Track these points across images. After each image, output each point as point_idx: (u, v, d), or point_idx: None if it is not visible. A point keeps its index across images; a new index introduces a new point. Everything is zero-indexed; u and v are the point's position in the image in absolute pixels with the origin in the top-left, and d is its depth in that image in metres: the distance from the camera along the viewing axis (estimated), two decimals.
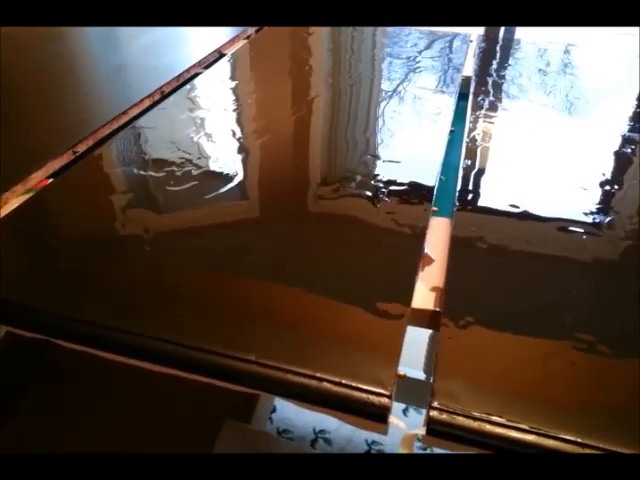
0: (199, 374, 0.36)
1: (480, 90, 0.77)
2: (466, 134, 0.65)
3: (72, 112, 0.69)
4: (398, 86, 0.79)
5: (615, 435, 0.31)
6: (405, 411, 0.96)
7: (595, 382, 0.35)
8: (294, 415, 0.98)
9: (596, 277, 0.44)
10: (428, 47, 0.94)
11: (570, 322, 0.38)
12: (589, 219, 0.50)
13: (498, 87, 0.79)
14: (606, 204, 0.53)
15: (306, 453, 0.87)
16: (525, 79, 0.82)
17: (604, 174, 0.59)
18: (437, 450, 0.34)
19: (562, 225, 0.49)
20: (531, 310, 0.40)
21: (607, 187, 0.56)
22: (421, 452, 0.89)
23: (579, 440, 0.31)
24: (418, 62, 0.87)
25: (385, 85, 0.80)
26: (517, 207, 0.52)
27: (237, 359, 0.35)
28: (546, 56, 0.93)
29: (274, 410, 0.99)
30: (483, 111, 0.71)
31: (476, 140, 0.64)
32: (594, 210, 0.51)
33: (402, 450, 0.35)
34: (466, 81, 0.81)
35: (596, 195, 0.54)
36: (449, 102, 0.73)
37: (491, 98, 0.75)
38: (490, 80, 0.81)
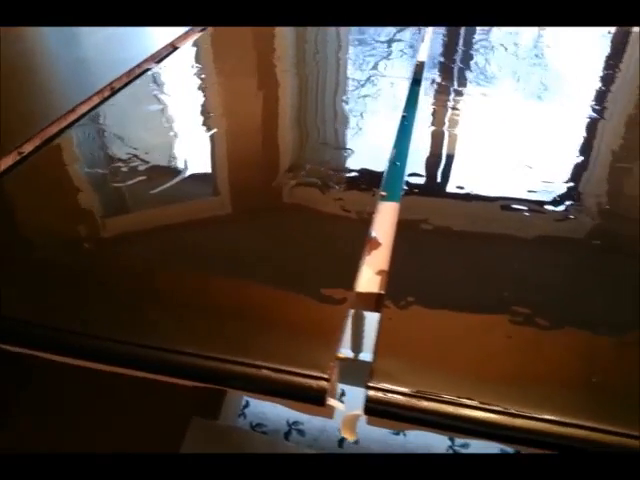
0: (141, 370, 0.36)
1: (435, 74, 0.77)
2: (418, 118, 0.66)
3: (18, 112, 0.67)
4: (354, 74, 0.79)
5: (549, 404, 0.32)
6: None
7: (531, 354, 0.35)
8: (267, 409, 0.98)
9: (536, 253, 0.45)
10: (388, 36, 0.94)
11: (508, 297, 0.39)
12: (532, 197, 0.51)
13: (454, 72, 0.80)
14: (551, 183, 0.54)
15: (283, 453, 0.86)
16: (482, 63, 0.83)
17: (554, 154, 0.60)
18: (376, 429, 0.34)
19: (506, 204, 0.50)
20: (471, 287, 0.41)
21: (554, 166, 0.57)
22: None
23: (513, 411, 0.31)
24: (375, 50, 0.87)
25: (342, 73, 0.80)
26: (463, 188, 0.52)
27: (176, 352, 0.35)
28: (512, 41, 0.94)
29: (247, 405, 0.99)
30: (437, 95, 0.72)
31: (428, 124, 0.64)
32: (537, 189, 0.52)
33: (343, 432, 0.35)
34: (420, 66, 0.81)
35: (541, 174, 0.55)
36: (402, 88, 0.73)
37: (446, 82, 0.75)
38: (446, 65, 0.82)
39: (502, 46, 0.90)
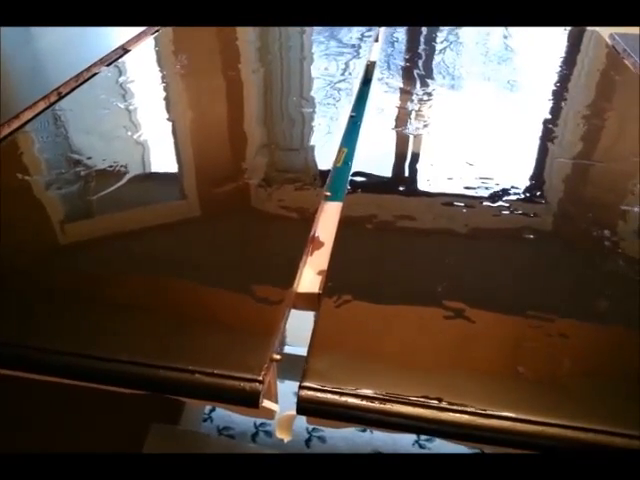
0: (79, 380, 0.36)
1: (384, 74, 0.78)
2: (366, 118, 0.66)
3: None
4: (305, 74, 0.79)
5: (475, 396, 0.32)
6: None
7: (461, 346, 0.36)
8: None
9: (471, 247, 0.45)
10: (345, 35, 0.95)
11: (441, 292, 0.40)
12: (472, 193, 0.52)
13: (403, 71, 0.80)
14: (491, 179, 0.55)
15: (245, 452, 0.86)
16: (431, 61, 0.84)
17: (498, 151, 0.61)
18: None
19: (446, 200, 0.51)
20: (406, 283, 0.41)
21: (495, 163, 0.58)
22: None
23: (444, 405, 0.32)
24: (329, 50, 0.87)
25: (293, 73, 0.80)
26: (406, 185, 0.53)
27: (111, 361, 0.35)
28: (444, 36, 0.96)
29: (214, 409, 0.98)
30: (387, 95, 0.72)
31: (377, 124, 0.65)
32: (478, 185, 0.53)
33: (278, 432, 0.35)
34: (371, 66, 0.81)
35: (483, 170, 0.56)
36: (352, 87, 0.74)
37: (396, 81, 0.76)
38: (397, 64, 0.82)
39: (457, 42, 0.92)
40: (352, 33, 0.94)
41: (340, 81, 0.76)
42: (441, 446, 0.94)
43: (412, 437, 0.93)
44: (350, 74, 0.78)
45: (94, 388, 0.36)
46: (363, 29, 0.95)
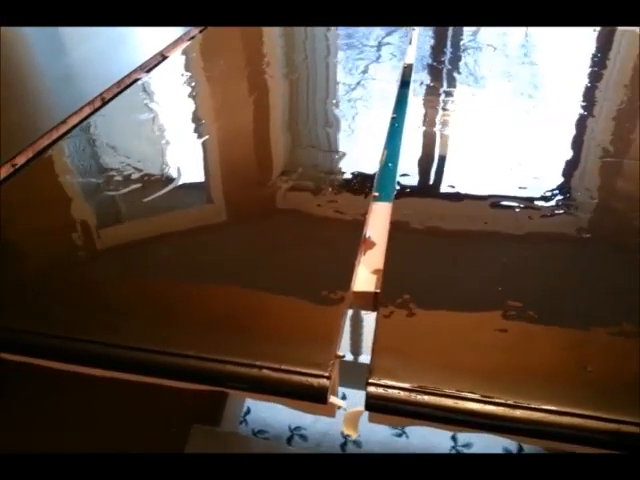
0: (141, 374, 0.36)
1: (422, 76, 0.78)
2: (408, 120, 0.66)
3: (10, 124, 0.67)
4: (343, 78, 0.79)
5: (546, 394, 0.32)
6: None
7: (524, 347, 0.36)
8: (268, 414, 0.98)
9: (527, 248, 0.45)
10: (377, 39, 0.95)
11: (501, 292, 0.39)
12: (522, 194, 0.51)
13: (441, 73, 0.80)
14: (541, 179, 0.54)
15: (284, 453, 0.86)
16: (471, 63, 0.84)
17: (543, 151, 0.60)
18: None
19: (496, 201, 0.50)
20: (464, 284, 0.41)
21: (543, 162, 0.58)
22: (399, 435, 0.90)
23: (512, 402, 0.32)
24: (364, 54, 0.88)
25: (332, 77, 0.81)
26: (454, 187, 0.53)
27: (179, 356, 0.35)
28: (501, 42, 0.95)
29: (248, 412, 0.98)
30: (426, 96, 0.72)
31: (418, 125, 0.65)
32: (527, 185, 0.53)
33: (345, 428, 0.35)
34: (408, 69, 0.82)
35: (530, 171, 0.56)
36: (391, 90, 0.74)
37: (434, 83, 0.76)
38: (434, 66, 0.82)
39: (490, 46, 0.91)
40: (390, 37, 0.95)
41: (379, 84, 0.76)
42: (478, 452, 0.92)
43: (449, 442, 0.92)
44: (389, 77, 0.78)
45: (142, 385, 0.37)
46: (400, 32, 0.96)
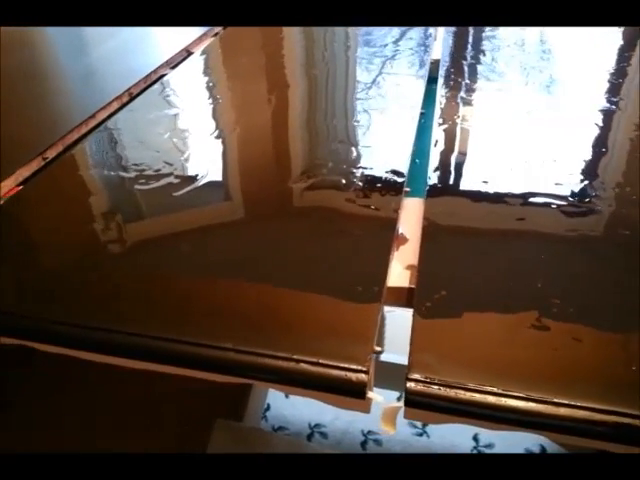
0: (179, 366, 0.36)
1: (450, 72, 0.77)
2: (437, 116, 0.66)
3: (40, 118, 0.68)
4: (366, 73, 0.79)
5: (589, 393, 0.31)
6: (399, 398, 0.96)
7: (566, 346, 0.35)
8: (289, 412, 0.98)
9: (563, 246, 0.44)
10: (398, 35, 0.95)
11: (540, 289, 0.39)
12: (556, 190, 0.50)
13: (468, 69, 0.79)
14: (578, 176, 0.54)
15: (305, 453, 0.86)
16: (498, 60, 0.83)
17: (577, 147, 0.59)
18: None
19: (530, 198, 0.49)
20: (502, 280, 0.40)
21: (576, 158, 0.57)
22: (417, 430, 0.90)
23: (556, 400, 0.31)
24: (387, 49, 0.87)
25: (353, 73, 0.80)
26: (487, 183, 0.52)
27: (215, 348, 0.35)
28: (521, 37, 0.94)
29: (268, 408, 0.98)
30: (453, 92, 0.71)
31: (447, 121, 0.64)
32: (561, 182, 0.52)
33: (383, 424, 0.34)
34: (435, 64, 0.81)
35: (564, 167, 0.55)
36: (419, 85, 0.73)
37: (461, 79, 0.75)
38: (461, 62, 0.82)
39: (513, 43, 0.90)
40: (411, 32, 0.94)
41: (405, 80, 0.76)
42: (500, 452, 0.91)
43: (470, 443, 0.92)
44: (414, 72, 0.78)
45: (167, 379, 0.37)
46: (422, 27, 0.95)
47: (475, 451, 0.91)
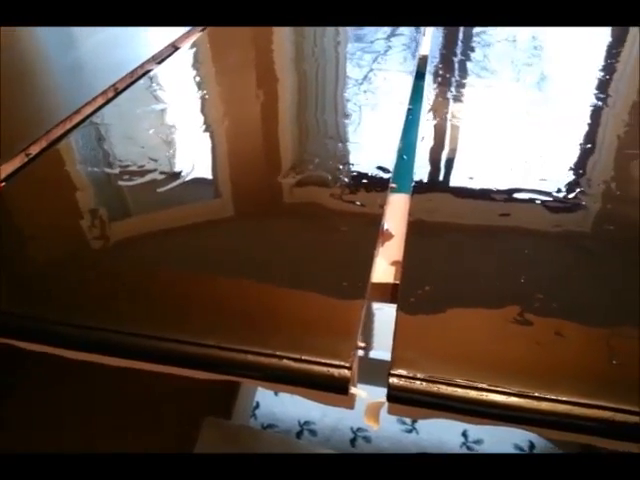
0: (165, 364, 0.36)
1: (439, 68, 0.77)
2: (424, 112, 0.65)
3: (23, 114, 0.67)
4: (357, 69, 0.78)
5: (571, 387, 0.31)
6: None
7: (549, 339, 0.35)
8: (278, 409, 0.98)
9: (547, 242, 0.44)
10: (389, 31, 0.94)
11: (523, 284, 0.39)
12: (541, 186, 0.50)
13: (458, 65, 0.79)
14: (564, 172, 0.54)
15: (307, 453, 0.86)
16: (489, 56, 0.83)
17: (565, 143, 0.59)
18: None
19: (515, 194, 0.49)
20: (486, 275, 0.40)
21: (562, 154, 0.57)
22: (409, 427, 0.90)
23: (537, 394, 0.31)
24: (378, 45, 0.87)
25: (344, 68, 0.80)
26: (473, 179, 0.52)
27: (199, 345, 0.35)
28: (512, 34, 0.94)
29: (257, 406, 0.98)
30: (442, 88, 0.71)
31: (435, 117, 0.64)
32: (546, 178, 0.52)
33: (367, 420, 0.34)
34: (424, 60, 0.81)
35: (549, 163, 0.55)
36: (407, 81, 0.73)
37: (450, 75, 0.75)
38: (450, 58, 0.81)
39: (504, 39, 0.90)
40: (401, 28, 0.94)
41: (393, 76, 0.75)
42: (489, 448, 0.92)
43: (459, 439, 0.92)
44: (403, 68, 0.77)
45: (155, 378, 0.37)
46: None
47: (464, 447, 0.92)
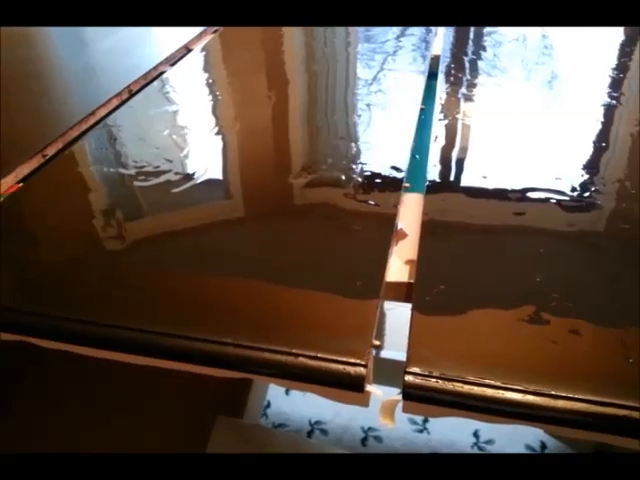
0: (180, 361, 0.36)
1: (450, 68, 0.77)
2: (437, 111, 0.66)
3: (40, 116, 0.68)
4: (367, 69, 0.79)
5: (587, 385, 0.32)
6: None
7: (564, 338, 0.35)
8: (289, 408, 0.98)
9: (563, 241, 0.44)
10: (399, 31, 0.94)
11: (539, 283, 0.39)
12: (556, 185, 0.50)
13: (469, 64, 0.79)
14: (578, 171, 0.53)
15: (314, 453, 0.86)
16: (499, 56, 0.82)
17: (578, 142, 0.59)
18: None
19: (530, 193, 0.49)
20: (500, 274, 0.40)
21: (580, 155, 0.57)
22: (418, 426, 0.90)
23: (553, 392, 0.31)
24: (388, 45, 0.87)
25: (354, 69, 0.80)
26: (487, 178, 0.52)
27: (215, 342, 0.35)
28: (522, 33, 0.94)
29: (268, 405, 0.99)
30: (454, 88, 0.71)
31: (447, 117, 0.64)
32: (561, 176, 0.52)
33: (382, 418, 0.35)
34: (436, 60, 0.81)
35: (563, 162, 0.55)
36: (419, 81, 0.73)
37: (462, 75, 0.75)
38: (461, 57, 0.81)
39: (514, 39, 0.90)
40: (412, 28, 0.94)
41: (405, 76, 0.76)
42: (500, 449, 0.92)
43: (471, 439, 0.92)
44: (415, 68, 0.78)
45: (169, 376, 0.37)
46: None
47: (475, 447, 0.91)
